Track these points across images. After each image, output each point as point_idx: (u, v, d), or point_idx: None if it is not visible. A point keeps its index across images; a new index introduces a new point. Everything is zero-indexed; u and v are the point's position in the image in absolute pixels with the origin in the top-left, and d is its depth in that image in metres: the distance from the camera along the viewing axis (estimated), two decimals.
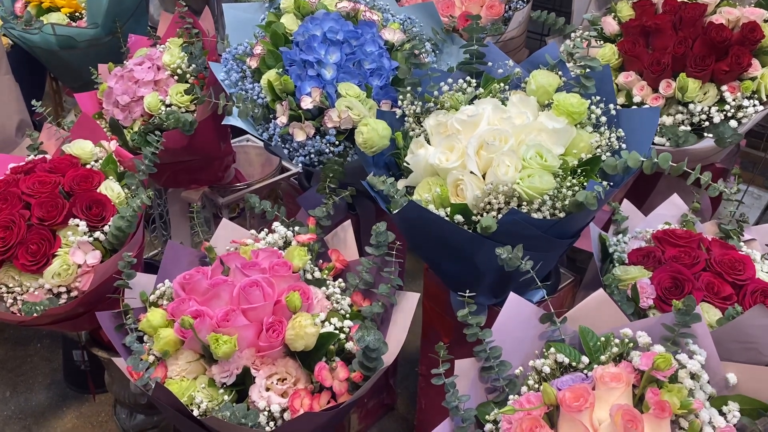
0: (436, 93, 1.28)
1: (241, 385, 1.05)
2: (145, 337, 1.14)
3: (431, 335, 1.53)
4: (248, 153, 2.14)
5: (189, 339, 1.06)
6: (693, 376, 0.91)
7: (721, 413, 0.90)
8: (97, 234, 1.29)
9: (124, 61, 1.77)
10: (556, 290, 1.39)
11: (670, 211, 1.42)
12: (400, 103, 1.31)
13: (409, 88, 1.29)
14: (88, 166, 1.41)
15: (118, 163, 1.45)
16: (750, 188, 2.11)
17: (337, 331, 1.07)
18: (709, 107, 1.43)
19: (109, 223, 1.30)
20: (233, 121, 1.43)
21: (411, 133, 1.28)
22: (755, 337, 1.09)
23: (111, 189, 1.36)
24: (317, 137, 1.37)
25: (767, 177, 2.75)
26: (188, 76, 1.65)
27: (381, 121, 1.25)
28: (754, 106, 1.43)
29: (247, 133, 1.57)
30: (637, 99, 1.49)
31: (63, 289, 1.26)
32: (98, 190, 1.35)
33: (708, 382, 0.92)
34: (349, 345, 1.05)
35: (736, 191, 1.15)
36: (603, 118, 1.17)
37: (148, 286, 1.24)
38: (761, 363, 1.13)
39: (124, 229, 1.28)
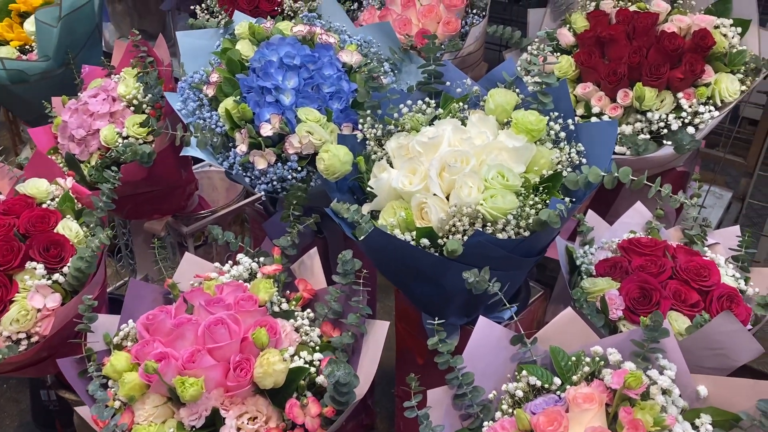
0: (396, 115, 1.27)
1: (212, 427, 1.02)
2: (110, 382, 1.11)
3: (406, 356, 1.52)
4: (212, 178, 2.11)
5: (155, 383, 1.03)
6: (665, 392, 0.91)
7: (694, 426, 0.90)
8: (56, 276, 1.25)
9: (79, 93, 1.73)
10: (527, 305, 1.38)
11: (635, 219, 1.43)
12: (360, 126, 1.30)
13: (368, 111, 1.28)
14: (44, 206, 1.37)
15: (76, 201, 1.41)
16: (712, 188, 2.14)
17: (307, 366, 1.05)
18: (667, 115, 1.45)
19: (68, 264, 1.26)
20: (192, 151, 1.40)
21: (373, 157, 1.27)
22: (723, 343, 1.11)
23: (69, 228, 1.32)
24: (279, 164, 1.35)
25: (728, 176, 2.81)
26: (145, 106, 1.62)
27: (342, 146, 1.23)
28: (710, 111, 1.45)
29: None
30: (595, 110, 1.50)
31: (23, 335, 1.23)
32: (55, 231, 1.31)
33: (680, 395, 0.93)
34: (320, 379, 1.04)
35: (694, 203, 1.16)
36: (562, 134, 1.17)
37: (111, 327, 1.21)
38: (731, 368, 1.15)
39: (83, 270, 1.25)
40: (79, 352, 1.16)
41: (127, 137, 1.58)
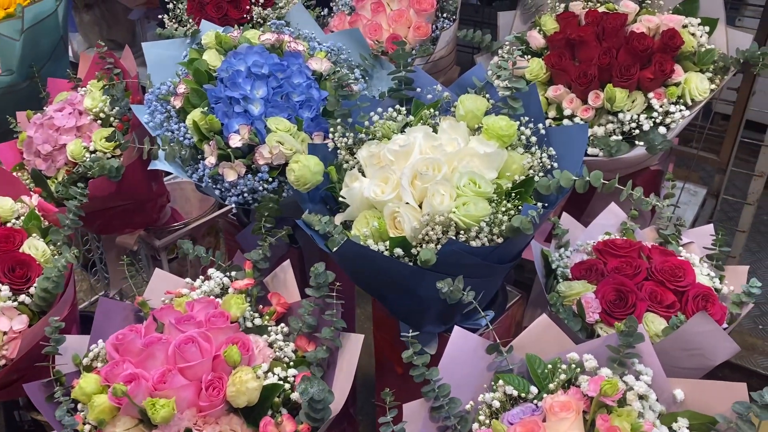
0: (367, 123, 1.25)
1: None
2: (80, 405, 1.08)
3: (385, 365, 1.50)
4: (184, 189, 2.08)
5: (125, 405, 1.01)
6: (641, 397, 0.90)
7: (672, 431, 0.90)
8: (22, 297, 1.22)
9: (44, 107, 1.69)
10: (505, 310, 1.38)
11: (610, 221, 1.43)
12: (331, 135, 1.28)
13: (339, 120, 1.27)
14: (8, 225, 1.34)
15: (42, 219, 1.38)
16: (686, 185, 2.16)
17: (281, 382, 1.03)
18: (638, 115, 1.45)
19: (35, 284, 1.23)
20: (160, 164, 1.38)
21: (345, 166, 1.26)
22: (700, 344, 1.11)
23: (35, 247, 1.29)
24: (249, 175, 1.33)
25: (703, 171, 2.83)
26: (112, 119, 1.59)
27: (312, 156, 1.21)
28: (681, 110, 1.45)
29: None
30: (567, 112, 1.50)
31: None
32: (21, 250, 1.28)
33: (657, 400, 0.92)
34: (295, 395, 1.02)
35: (668, 203, 1.16)
36: (533, 138, 1.17)
37: (81, 348, 1.18)
38: (708, 367, 1.15)
39: (50, 290, 1.22)
40: (49, 374, 1.13)
41: (94, 151, 1.55)
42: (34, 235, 1.33)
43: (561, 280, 1.28)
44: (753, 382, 2.14)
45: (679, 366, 1.12)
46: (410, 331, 0.97)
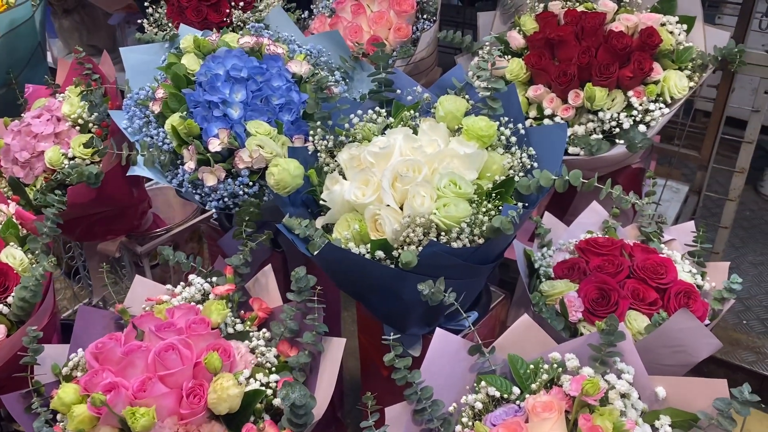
0: (347, 125, 1.25)
1: None
2: (59, 416, 1.06)
3: (370, 368, 1.50)
4: (166, 195, 2.06)
5: (104, 415, 0.99)
6: (623, 396, 0.90)
7: (654, 428, 0.90)
8: (0, 307, 1.20)
9: (22, 114, 1.67)
10: (488, 310, 1.37)
11: (592, 219, 1.43)
12: (311, 138, 1.27)
13: (319, 123, 1.26)
14: None
15: (20, 227, 1.36)
16: (669, 182, 2.17)
17: (263, 388, 1.02)
18: (618, 113, 1.46)
19: (12, 294, 1.21)
20: (139, 170, 1.36)
21: (326, 169, 1.25)
22: (682, 340, 1.11)
23: (12, 256, 1.28)
24: (229, 180, 1.32)
25: (686, 168, 2.85)
26: (91, 125, 1.57)
27: (292, 160, 1.21)
28: (660, 108, 1.46)
29: None
30: (548, 111, 1.50)
31: None
32: None
33: (639, 398, 0.92)
34: (278, 401, 1.01)
35: (649, 200, 1.16)
36: (513, 139, 1.17)
37: (61, 357, 1.16)
38: (691, 364, 1.16)
39: (29, 300, 1.20)
40: (28, 384, 1.11)
41: (73, 158, 1.53)
42: (11, 243, 1.31)
43: (544, 280, 1.28)
44: (738, 376, 2.17)
45: (663, 363, 1.12)
46: (392, 334, 0.97)
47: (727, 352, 2.21)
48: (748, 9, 1.82)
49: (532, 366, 0.97)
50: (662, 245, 1.34)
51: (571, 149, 1.48)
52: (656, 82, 1.48)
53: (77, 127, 1.58)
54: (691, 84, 1.49)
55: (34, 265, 1.25)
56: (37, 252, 1.30)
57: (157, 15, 1.96)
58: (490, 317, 1.39)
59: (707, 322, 1.21)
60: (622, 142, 1.45)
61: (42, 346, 1.11)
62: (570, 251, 1.34)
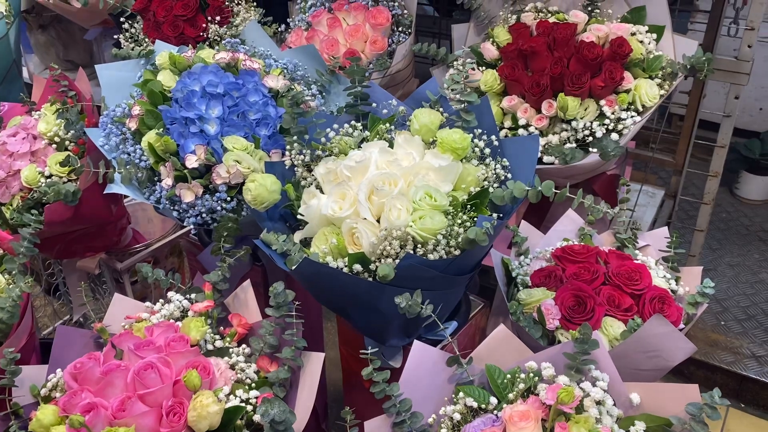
0: (323, 139, 1.26)
1: None
2: None
3: (352, 379, 1.50)
4: (146, 210, 2.05)
5: None
6: (599, 403, 0.92)
7: None
8: None
9: None
10: (468, 319, 1.39)
11: (568, 227, 1.45)
12: (288, 153, 1.28)
13: (295, 137, 1.27)
14: None
15: None
16: (644, 187, 2.20)
17: (243, 404, 1.02)
18: (591, 122, 1.48)
19: None
20: (116, 188, 1.36)
21: (303, 183, 1.26)
22: (657, 345, 1.13)
23: None
24: (207, 196, 1.33)
25: (663, 171, 2.89)
26: (67, 143, 1.57)
27: (269, 175, 1.21)
28: (632, 116, 1.48)
29: None
30: (522, 121, 1.52)
31: None
32: None
33: (614, 404, 0.94)
34: (258, 417, 1.01)
35: (622, 207, 1.18)
36: (487, 150, 1.18)
37: (40, 378, 1.16)
38: (666, 368, 1.17)
39: (5, 321, 1.19)
40: (6, 407, 1.10)
41: (50, 176, 1.53)
42: None
43: (521, 288, 1.29)
44: (716, 377, 2.21)
45: (639, 368, 1.14)
46: (369, 347, 0.97)
47: (706, 353, 2.24)
48: (716, 16, 1.87)
49: (509, 375, 0.99)
50: (637, 251, 1.36)
51: (546, 158, 1.50)
52: (627, 91, 1.50)
53: (54, 145, 1.58)
54: (662, 92, 1.52)
55: (10, 286, 1.25)
56: (14, 272, 1.29)
57: (133, 30, 1.96)
58: (470, 326, 1.40)
59: (682, 326, 1.23)
60: (595, 150, 1.47)
61: (20, 367, 1.11)
62: (547, 259, 1.36)
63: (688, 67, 1.51)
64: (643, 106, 1.50)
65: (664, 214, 2.19)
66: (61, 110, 1.58)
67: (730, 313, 2.44)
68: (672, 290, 1.27)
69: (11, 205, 1.56)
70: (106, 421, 0.98)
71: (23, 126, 1.61)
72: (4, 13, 1.83)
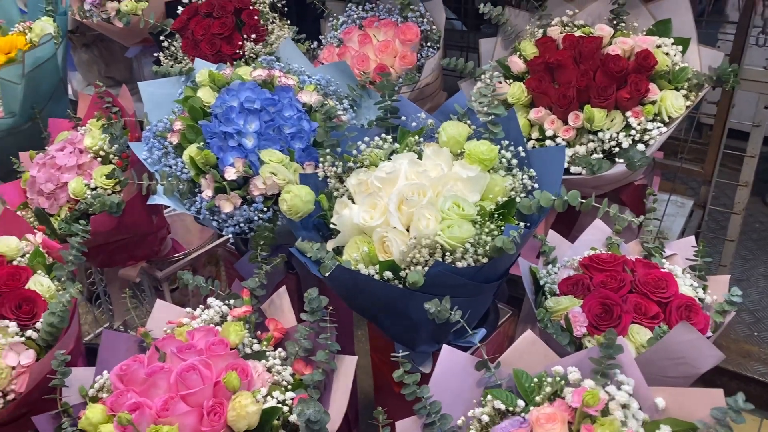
0: (355, 152, 1.31)
1: None
2: None
3: (383, 386, 1.54)
4: (185, 220, 2.13)
5: None
6: (624, 406, 0.94)
7: None
8: (29, 332, 1.26)
9: (46, 147, 1.75)
10: (497, 327, 1.42)
11: (595, 236, 1.47)
12: (321, 165, 1.33)
13: (328, 150, 1.32)
14: (14, 263, 1.39)
15: (47, 255, 1.43)
16: (673, 197, 2.20)
17: (280, 405, 1.07)
18: (617, 133, 1.50)
19: (41, 319, 1.27)
20: (159, 199, 1.43)
21: (335, 194, 1.31)
22: (684, 352, 1.14)
23: (40, 284, 1.34)
24: (245, 206, 1.38)
25: (693, 182, 2.87)
26: (112, 156, 1.65)
27: (303, 186, 1.27)
28: (658, 128, 1.50)
29: None
30: (549, 133, 1.55)
31: None
32: (27, 287, 1.32)
33: (639, 408, 0.96)
34: (294, 417, 1.05)
35: (643, 219, 1.20)
36: (514, 161, 1.22)
37: (87, 379, 1.22)
38: (694, 375, 1.18)
39: (56, 325, 1.26)
40: (57, 406, 1.17)
41: (95, 188, 1.61)
42: (39, 271, 1.38)
43: (549, 296, 1.32)
44: (750, 388, 2.18)
45: (667, 375, 1.16)
46: (400, 351, 1.01)
47: (739, 363, 2.22)
48: (745, 26, 1.87)
49: (536, 379, 1.01)
50: (663, 260, 1.38)
51: (573, 168, 1.53)
52: (653, 102, 1.52)
53: (99, 159, 1.66)
54: (688, 103, 1.53)
55: (60, 292, 1.32)
56: (63, 279, 1.36)
57: (172, 48, 2.04)
58: (499, 333, 1.43)
59: (709, 334, 1.24)
60: (621, 161, 1.49)
61: (69, 369, 1.17)
62: (574, 268, 1.38)
63: (714, 78, 1.53)
64: (669, 117, 1.52)
65: (693, 224, 2.18)
66: (105, 125, 1.66)
67: (764, 324, 2.41)
68: (699, 298, 1.28)
69: (59, 216, 1.64)
70: (151, 420, 1.03)
71: (70, 141, 1.70)
72: (53, 35, 1.93)
